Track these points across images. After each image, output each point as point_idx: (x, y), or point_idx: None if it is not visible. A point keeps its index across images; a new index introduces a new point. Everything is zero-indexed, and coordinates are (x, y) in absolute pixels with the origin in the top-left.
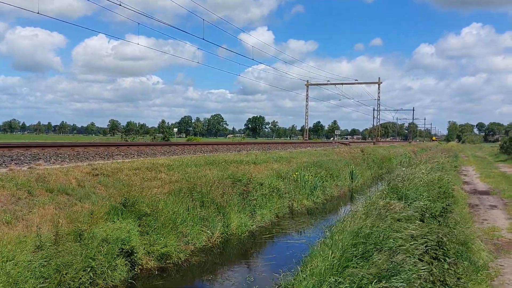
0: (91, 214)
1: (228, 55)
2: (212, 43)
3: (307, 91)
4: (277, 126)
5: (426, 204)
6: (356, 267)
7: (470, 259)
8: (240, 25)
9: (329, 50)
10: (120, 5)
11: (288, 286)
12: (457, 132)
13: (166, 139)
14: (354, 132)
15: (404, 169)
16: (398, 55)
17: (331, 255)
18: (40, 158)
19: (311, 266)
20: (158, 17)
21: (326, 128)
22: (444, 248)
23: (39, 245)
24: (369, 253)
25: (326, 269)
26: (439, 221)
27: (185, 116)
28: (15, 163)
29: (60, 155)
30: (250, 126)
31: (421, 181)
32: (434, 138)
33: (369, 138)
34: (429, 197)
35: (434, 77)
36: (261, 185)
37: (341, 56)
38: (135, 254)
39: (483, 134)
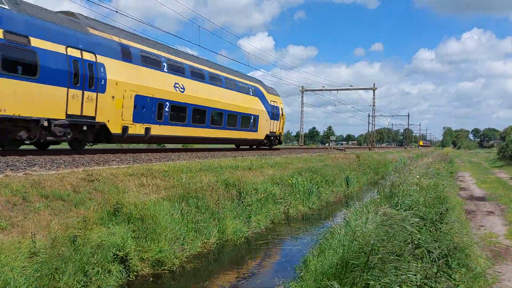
0: (85, 220)
1: (227, 61)
2: (209, 49)
3: (302, 97)
4: None
5: (423, 210)
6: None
7: (467, 265)
8: (241, 31)
9: (328, 56)
10: (116, 11)
11: None
12: (452, 138)
13: (162, 145)
14: (349, 137)
15: (398, 175)
16: (397, 60)
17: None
18: (35, 164)
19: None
20: (159, 23)
21: (321, 133)
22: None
23: (33, 251)
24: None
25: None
26: (436, 229)
27: None
28: (11, 169)
29: (55, 161)
30: None
31: (417, 187)
32: (421, 143)
33: (365, 144)
34: (426, 203)
35: (433, 82)
36: (256, 190)
37: (341, 61)
38: (130, 260)
39: (478, 140)
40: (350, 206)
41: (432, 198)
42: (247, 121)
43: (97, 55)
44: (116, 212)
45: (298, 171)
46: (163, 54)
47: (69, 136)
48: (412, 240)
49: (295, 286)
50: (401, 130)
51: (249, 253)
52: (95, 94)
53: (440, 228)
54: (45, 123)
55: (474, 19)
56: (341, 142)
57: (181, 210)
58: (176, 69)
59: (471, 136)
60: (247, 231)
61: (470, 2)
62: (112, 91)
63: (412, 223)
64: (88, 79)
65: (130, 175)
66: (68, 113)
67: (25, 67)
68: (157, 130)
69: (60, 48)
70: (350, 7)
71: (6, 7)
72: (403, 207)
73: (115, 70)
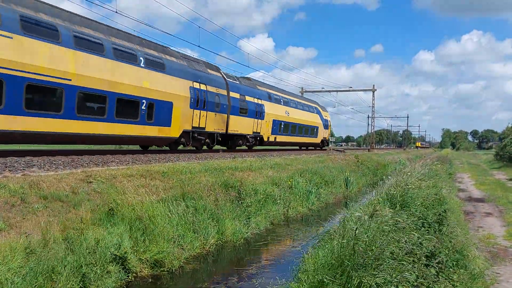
0: (82, 221)
1: (227, 63)
2: (208, 50)
3: None
4: None
5: (422, 212)
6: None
7: (466, 266)
8: (241, 32)
9: (328, 57)
10: (116, 12)
11: None
12: (451, 139)
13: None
14: (348, 138)
15: (397, 177)
16: (397, 62)
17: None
18: (34, 165)
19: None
20: (159, 24)
21: None
22: (438, 256)
23: (29, 252)
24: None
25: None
26: (435, 230)
27: None
28: (9, 170)
29: (54, 162)
30: None
31: (415, 188)
32: (418, 144)
33: (364, 145)
34: (424, 204)
35: (432, 83)
36: (256, 192)
37: (340, 62)
38: (128, 261)
39: (477, 141)
40: (348, 207)
41: (430, 199)
42: (312, 130)
43: (262, 100)
44: (113, 213)
45: (298, 172)
46: (281, 94)
47: (252, 142)
48: (408, 241)
49: (295, 286)
50: (401, 131)
51: (249, 254)
52: (261, 120)
53: (439, 230)
54: (248, 136)
55: (473, 21)
56: (340, 144)
57: (179, 211)
58: (286, 103)
59: (469, 138)
60: (247, 232)
61: (469, 4)
62: (266, 118)
63: (408, 223)
64: (260, 112)
65: (129, 176)
66: (253, 130)
67: (243, 110)
68: (278, 138)
69: (252, 99)
70: (350, 8)
71: (237, 82)
72: (401, 209)
73: (267, 107)
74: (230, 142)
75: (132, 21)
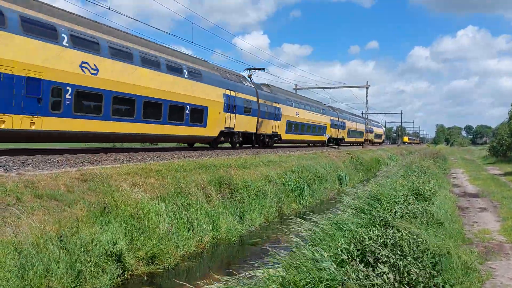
0: (77, 219)
1: (222, 60)
2: (200, 45)
3: None
4: None
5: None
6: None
7: (461, 262)
8: (236, 30)
9: (323, 54)
10: (109, 8)
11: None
12: (445, 135)
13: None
14: None
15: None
16: (392, 58)
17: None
18: (28, 164)
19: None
20: (154, 21)
21: None
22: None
23: (20, 251)
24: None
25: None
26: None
27: None
28: (4, 169)
29: (48, 161)
30: None
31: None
32: (405, 139)
33: None
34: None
35: (427, 80)
36: (250, 189)
37: (335, 60)
38: (124, 260)
39: (471, 137)
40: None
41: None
42: (378, 136)
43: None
44: (108, 211)
45: (292, 169)
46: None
47: None
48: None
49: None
50: (394, 127)
51: (244, 251)
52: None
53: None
54: None
55: (469, 17)
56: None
57: (175, 209)
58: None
59: (463, 133)
60: (242, 230)
61: (465, 0)
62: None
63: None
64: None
65: (124, 174)
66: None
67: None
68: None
69: None
70: (345, 5)
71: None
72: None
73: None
74: None
75: (125, 18)
